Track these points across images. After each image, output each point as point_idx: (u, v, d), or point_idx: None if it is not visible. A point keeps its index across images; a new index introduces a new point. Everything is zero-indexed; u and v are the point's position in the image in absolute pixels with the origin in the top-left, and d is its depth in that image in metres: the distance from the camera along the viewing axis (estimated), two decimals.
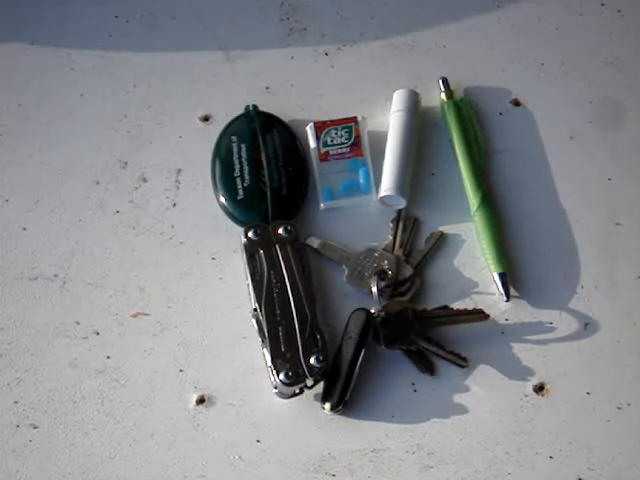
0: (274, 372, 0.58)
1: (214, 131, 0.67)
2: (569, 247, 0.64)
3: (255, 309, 0.60)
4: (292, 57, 0.70)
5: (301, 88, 0.69)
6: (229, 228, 0.64)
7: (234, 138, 0.66)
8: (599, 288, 0.63)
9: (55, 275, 0.64)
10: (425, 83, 0.69)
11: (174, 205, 0.66)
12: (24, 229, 0.65)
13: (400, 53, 0.70)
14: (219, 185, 0.65)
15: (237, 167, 0.65)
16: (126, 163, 0.67)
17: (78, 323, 0.62)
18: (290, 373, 0.58)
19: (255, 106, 0.67)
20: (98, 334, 0.62)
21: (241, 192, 0.64)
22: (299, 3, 0.72)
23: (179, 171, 0.67)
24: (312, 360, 0.58)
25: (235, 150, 0.65)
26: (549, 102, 0.69)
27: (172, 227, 0.65)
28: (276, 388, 0.59)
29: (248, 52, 0.71)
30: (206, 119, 0.68)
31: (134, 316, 0.62)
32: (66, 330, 0.62)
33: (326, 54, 0.71)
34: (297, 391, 0.59)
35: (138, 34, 0.71)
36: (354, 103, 0.68)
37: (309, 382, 0.59)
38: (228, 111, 0.67)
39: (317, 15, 0.72)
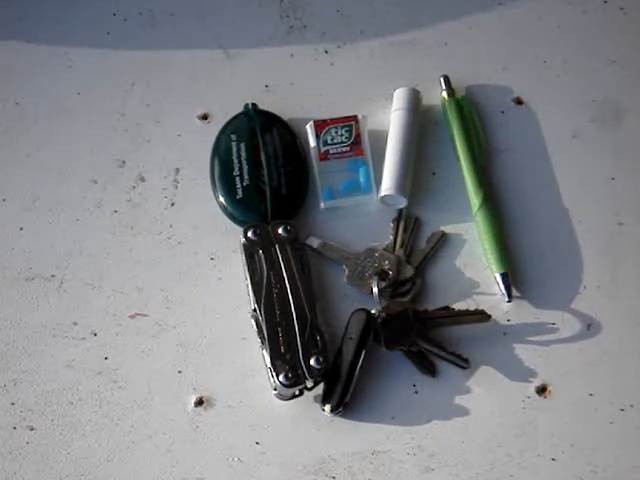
0: (274, 373, 0.57)
1: (213, 130, 0.66)
2: (571, 247, 0.63)
3: (254, 310, 0.59)
4: (292, 55, 0.70)
5: (301, 86, 0.69)
6: (228, 228, 0.64)
7: (233, 137, 0.65)
8: (602, 288, 0.62)
9: (52, 275, 0.63)
10: (426, 81, 0.68)
11: (172, 205, 0.65)
12: (21, 229, 0.65)
13: (401, 51, 0.70)
14: (218, 184, 0.64)
15: (236, 166, 0.64)
16: (124, 162, 0.67)
17: (76, 324, 0.62)
18: (290, 374, 0.57)
19: (254, 105, 0.66)
20: (96, 335, 0.61)
21: (240, 191, 0.63)
22: (299, 1, 0.72)
23: (177, 170, 0.66)
24: (312, 361, 0.58)
25: (234, 149, 0.65)
26: (551, 100, 0.68)
27: (170, 227, 0.65)
28: (276, 390, 0.58)
29: (247, 50, 0.70)
30: (205, 118, 0.68)
31: (132, 317, 0.62)
32: (63, 331, 0.61)
33: (326, 52, 0.70)
34: (297, 392, 0.58)
35: (136, 32, 0.71)
36: (354, 101, 0.68)
37: (309, 383, 0.58)
38: (227, 110, 0.67)
39: (317, 13, 0.71)
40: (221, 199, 0.64)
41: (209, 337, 0.61)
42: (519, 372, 0.60)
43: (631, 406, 0.59)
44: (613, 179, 0.66)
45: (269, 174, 0.63)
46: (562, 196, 0.65)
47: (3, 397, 0.60)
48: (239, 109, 0.67)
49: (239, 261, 0.62)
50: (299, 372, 0.57)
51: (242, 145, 0.65)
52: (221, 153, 0.65)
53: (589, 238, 0.63)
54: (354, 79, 0.69)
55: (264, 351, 0.58)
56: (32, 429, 0.59)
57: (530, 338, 0.61)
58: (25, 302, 0.62)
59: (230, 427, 0.59)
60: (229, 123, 0.66)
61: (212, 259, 0.63)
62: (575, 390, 0.59)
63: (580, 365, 0.60)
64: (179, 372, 0.60)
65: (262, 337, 0.58)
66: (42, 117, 0.68)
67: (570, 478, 0.57)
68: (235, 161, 0.64)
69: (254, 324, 0.59)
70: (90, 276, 0.63)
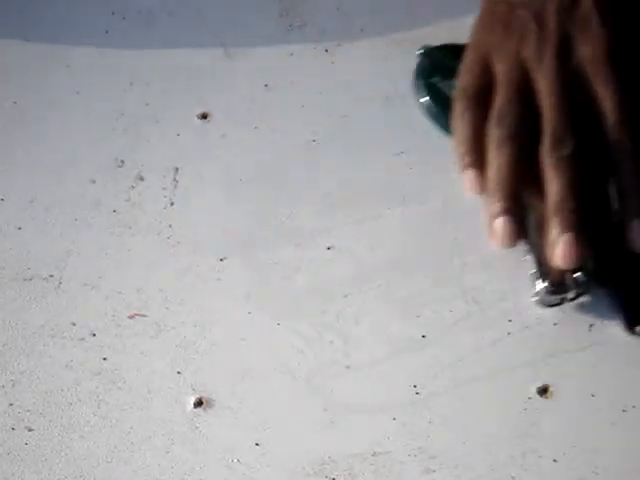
0: (538, 279, 0.58)
1: (212, 129, 0.66)
2: None
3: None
4: (291, 54, 0.70)
5: (301, 85, 0.69)
6: (228, 228, 0.63)
7: (437, 79, 0.64)
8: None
9: (51, 275, 0.63)
10: None
11: (172, 204, 0.65)
12: (19, 229, 0.64)
13: (402, 49, 0.70)
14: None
15: None
16: (123, 161, 0.66)
17: (74, 324, 0.61)
18: (553, 282, 0.57)
19: (428, 46, 0.65)
20: (94, 335, 0.61)
21: None
22: None
23: (177, 170, 0.66)
24: (578, 272, 0.57)
25: (446, 90, 0.63)
26: None
27: (170, 227, 0.64)
28: (537, 295, 0.58)
29: (247, 49, 0.70)
30: (204, 117, 0.68)
31: (131, 317, 0.62)
32: (62, 331, 0.61)
33: (326, 51, 0.70)
34: (558, 301, 0.58)
35: (135, 31, 0.71)
36: (354, 100, 0.67)
37: (571, 294, 0.58)
38: (227, 108, 0.67)
39: (317, 11, 0.71)
40: None
41: (208, 338, 0.61)
42: (520, 373, 0.59)
43: (633, 407, 0.58)
44: None
45: None
46: None
47: (1, 398, 0.59)
48: (239, 108, 0.66)
49: (238, 261, 0.62)
50: (563, 281, 0.57)
51: (452, 82, 0.63)
52: (439, 100, 0.64)
53: None
54: (354, 78, 0.69)
55: (530, 255, 0.58)
56: (30, 430, 0.59)
57: (532, 338, 0.60)
58: (23, 302, 0.62)
59: (230, 428, 0.58)
60: (419, 77, 0.65)
61: (211, 259, 0.63)
62: (577, 391, 0.59)
63: (582, 366, 0.59)
64: (178, 373, 0.60)
65: (530, 240, 0.58)
66: (40, 116, 0.68)
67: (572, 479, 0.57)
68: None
69: None
70: (89, 276, 0.63)
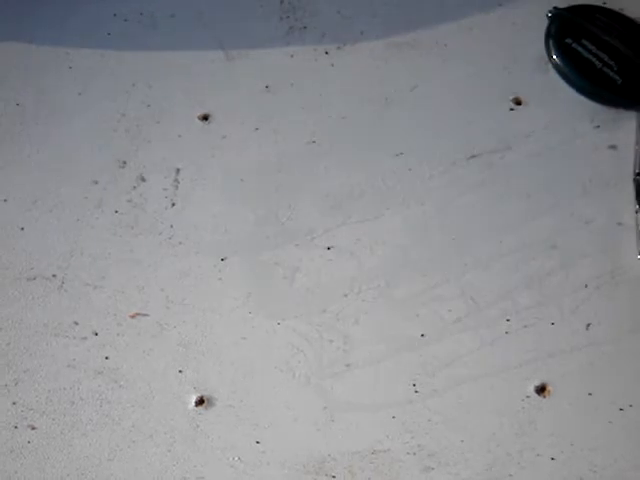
0: None
1: (213, 130, 0.67)
2: (571, 246, 0.63)
3: (638, 174, 0.59)
4: (292, 56, 0.70)
5: (301, 87, 0.69)
6: (229, 228, 0.64)
7: (569, 40, 0.65)
8: (601, 288, 0.62)
9: (53, 275, 0.63)
10: (426, 83, 0.68)
11: (173, 205, 0.65)
12: (22, 229, 0.65)
13: (401, 52, 0.70)
14: (590, 88, 0.64)
15: (595, 60, 0.64)
16: (125, 162, 0.67)
17: (77, 323, 0.62)
18: None
19: (557, 8, 0.66)
20: (97, 335, 0.62)
21: (617, 77, 0.64)
22: (299, 1, 0.72)
23: (178, 170, 0.66)
24: None
25: (580, 49, 0.65)
26: (551, 101, 0.68)
27: (171, 227, 0.65)
28: None
29: (247, 51, 0.70)
30: (205, 118, 0.68)
31: (133, 317, 0.62)
32: (64, 330, 0.62)
33: (326, 53, 0.70)
34: None
35: (137, 33, 0.71)
36: (354, 102, 0.68)
37: None
38: (227, 110, 0.67)
39: (317, 14, 0.71)
40: (603, 94, 0.64)
41: (209, 337, 0.61)
42: (518, 371, 0.60)
43: (630, 406, 0.59)
44: (614, 179, 0.66)
45: (631, 47, 0.64)
46: (564, 195, 0.65)
47: (4, 396, 0.60)
48: (239, 109, 0.67)
49: (239, 261, 0.62)
50: None
51: (584, 42, 0.65)
52: (573, 62, 0.65)
53: (589, 237, 0.64)
54: (354, 79, 0.69)
55: (638, 215, 0.59)
56: (33, 428, 0.59)
57: (530, 337, 0.61)
58: (26, 302, 0.62)
59: (230, 426, 0.59)
60: (550, 37, 0.66)
61: (212, 259, 0.63)
62: (574, 390, 0.59)
63: (579, 365, 0.60)
64: (180, 372, 0.60)
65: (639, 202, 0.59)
66: (43, 118, 0.68)
67: (569, 478, 0.57)
68: (590, 56, 0.65)
69: (635, 188, 0.59)
70: (91, 276, 0.63)
